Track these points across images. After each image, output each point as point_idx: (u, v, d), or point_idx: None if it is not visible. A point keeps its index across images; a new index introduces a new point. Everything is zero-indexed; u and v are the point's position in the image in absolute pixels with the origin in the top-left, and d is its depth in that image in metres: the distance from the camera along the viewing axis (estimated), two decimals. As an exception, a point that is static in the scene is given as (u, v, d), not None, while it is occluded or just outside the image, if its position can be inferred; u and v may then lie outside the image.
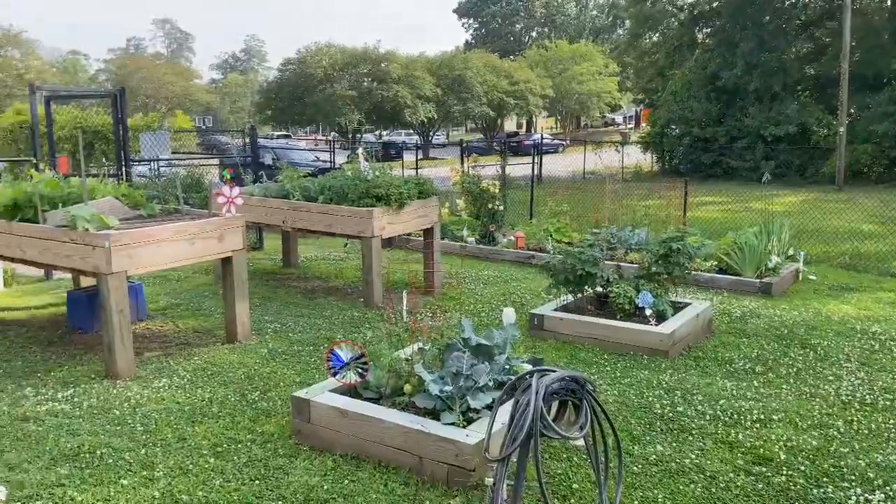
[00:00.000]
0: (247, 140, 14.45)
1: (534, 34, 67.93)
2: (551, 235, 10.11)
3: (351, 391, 3.92)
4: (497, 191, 10.19)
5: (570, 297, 6.10)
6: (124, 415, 4.21)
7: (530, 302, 7.03)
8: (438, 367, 3.87)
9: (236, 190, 5.52)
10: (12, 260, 5.50)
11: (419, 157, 27.74)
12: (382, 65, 39.03)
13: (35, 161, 7.69)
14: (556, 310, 5.96)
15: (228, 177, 7.44)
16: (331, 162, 22.85)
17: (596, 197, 13.96)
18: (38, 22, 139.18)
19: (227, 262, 5.57)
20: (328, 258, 9.60)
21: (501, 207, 10.32)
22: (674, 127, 26.88)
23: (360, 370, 3.82)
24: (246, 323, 5.74)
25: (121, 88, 8.54)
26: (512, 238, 10.11)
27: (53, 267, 5.13)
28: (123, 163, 8.36)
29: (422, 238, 8.01)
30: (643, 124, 45.03)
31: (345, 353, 3.83)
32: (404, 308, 4.41)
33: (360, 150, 7.57)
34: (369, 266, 6.82)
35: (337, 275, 8.52)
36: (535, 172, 17.62)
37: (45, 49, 55.18)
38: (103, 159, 12.34)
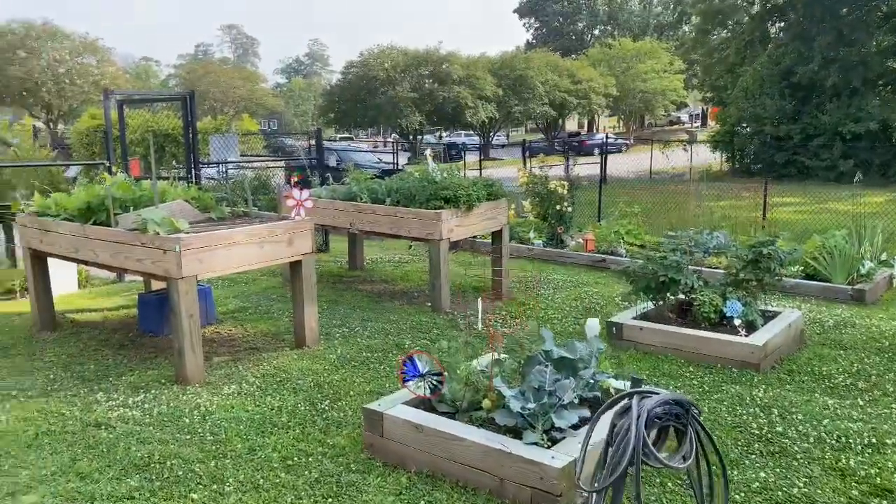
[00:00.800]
0: (312, 142, 14.51)
1: (596, 32, 66.92)
2: (622, 238, 9.76)
3: (425, 404, 3.73)
4: (565, 191, 9.89)
5: (650, 304, 5.78)
6: (194, 423, 4.12)
7: (604, 308, 6.74)
8: (518, 381, 3.65)
9: (305, 193, 5.41)
10: (86, 263, 5.53)
11: (480, 158, 27.54)
12: (443, 66, 38.96)
13: (108, 164, 7.80)
14: (635, 318, 5.66)
15: (296, 180, 7.39)
16: (394, 163, 22.89)
17: (666, 197, 13.49)
18: (110, 30, 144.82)
19: (296, 265, 5.47)
20: (393, 260, 9.48)
21: (570, 209, 10.01)
22: (745, 125, 25.97)
23: (434, 383, 3.63)
24: (314, 328, 5.63)
25: (190, 91, 8.60)
26: (580, 241, 9.81)
27: (125, 270, 5.13)
28: (193, 165, 8.40)
29: (487, 240, 7.80)
30: (710, 122, 43.80)
31: (422, 364, 3.65)
32: (479, 315, 4.20)
33: (427, 151, 7.40)
34: (437, 270, 6.64)
35: (402, 278, 8.38)
36: (601, 172, 17.22)
37: (118, 55, 57.13)
38: (173, 162, 12.54)
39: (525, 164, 17.46)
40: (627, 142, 41.61)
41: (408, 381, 3.68)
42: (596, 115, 53.94)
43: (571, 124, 59.44)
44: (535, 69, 40.42)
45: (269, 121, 66.32)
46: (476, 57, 41.85)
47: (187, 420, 4.16)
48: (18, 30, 42.50)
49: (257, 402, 4.43)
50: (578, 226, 10.69)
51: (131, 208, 5.29)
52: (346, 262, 9.03)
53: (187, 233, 4.83)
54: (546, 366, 3.53)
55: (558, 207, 9.93)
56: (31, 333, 6.07)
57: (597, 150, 34.79)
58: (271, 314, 6.66)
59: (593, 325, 3.88)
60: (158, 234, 4.75)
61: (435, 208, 6.60)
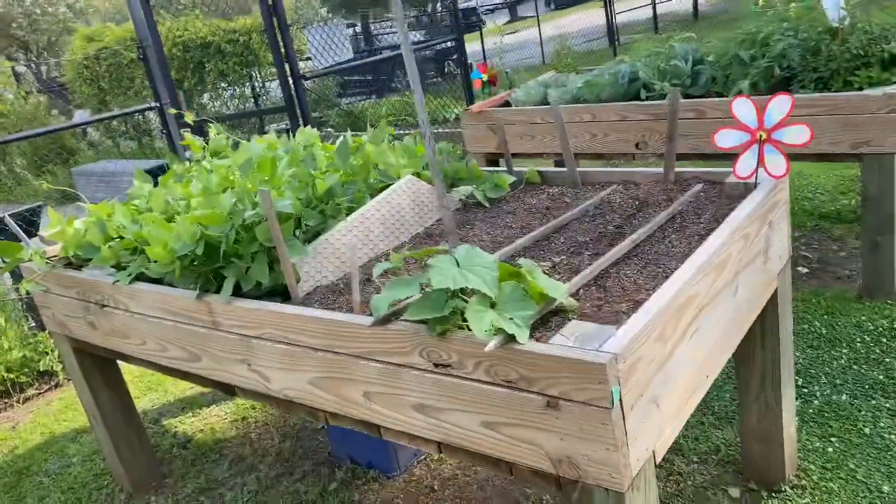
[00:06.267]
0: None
1: None
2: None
3: None
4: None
5: None
6: None
7: None
8: None
9: (783, 101, 1.89)
10: (231, 391, 2.13)
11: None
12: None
13: (159, 105, 4.26)
14: None
15: (484, 78, 4.26)
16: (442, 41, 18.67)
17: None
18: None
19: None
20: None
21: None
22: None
23: None
24: (793, 442, 2.28)
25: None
26: None
27: (377, 431, 1.74)
28: (293, 82, 4.73)
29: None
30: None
31: None
32: None
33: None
34: None
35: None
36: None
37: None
38: (223, 84, 8.63)
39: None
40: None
41: None
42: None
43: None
44: None
45: None
46: None
47: None
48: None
49: None
50: None
51: (323, 230, 1.89)
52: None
53: (568, 309, 1.43)
54: None
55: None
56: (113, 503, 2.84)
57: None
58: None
59: None
60: (491, 339, 1.34)
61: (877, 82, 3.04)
